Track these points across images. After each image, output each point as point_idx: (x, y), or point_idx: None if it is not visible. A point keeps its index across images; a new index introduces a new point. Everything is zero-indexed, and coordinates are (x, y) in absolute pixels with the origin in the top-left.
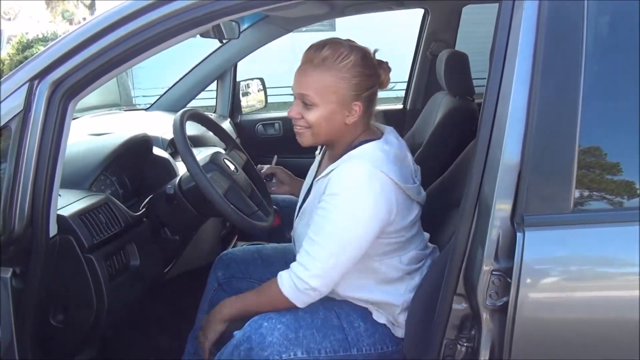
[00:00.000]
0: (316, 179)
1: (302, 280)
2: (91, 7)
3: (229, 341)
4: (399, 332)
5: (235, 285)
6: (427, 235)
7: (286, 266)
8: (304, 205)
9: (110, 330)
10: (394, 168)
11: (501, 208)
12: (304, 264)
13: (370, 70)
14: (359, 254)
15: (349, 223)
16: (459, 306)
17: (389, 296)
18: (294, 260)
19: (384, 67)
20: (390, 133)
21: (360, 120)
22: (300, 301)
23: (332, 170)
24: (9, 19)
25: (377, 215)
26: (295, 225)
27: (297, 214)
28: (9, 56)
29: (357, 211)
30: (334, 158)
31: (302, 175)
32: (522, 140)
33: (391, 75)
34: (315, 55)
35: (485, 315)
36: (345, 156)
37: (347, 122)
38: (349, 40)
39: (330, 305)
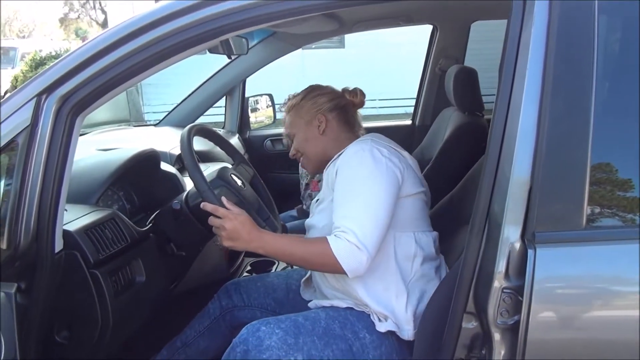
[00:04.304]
0: (325, 169)
1: (348, 242)
2: (104, 24)
3: None
4: (406, 334)
5: (237, 315)
6: (435, 233)
7: (287, 291)
8: (319, 197)
9: (115, 347)
10: (391, 145)
11: (511, 225)
12: (345, 229)
13: (323, 92)
14: (389, 212)
15: (370, 181)
16: (469, 325)
17: (400, 277)
18: (296, 285)
19: (349, 91)
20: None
21: (339, 129)
22: (348, 263)
23: (338, 156)
24: (24, 37)
25: (389, 173)
26: (307, 224)
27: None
28: (22, 73)
29: (372, 170)
30: None
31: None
32: (533, 156)
33: (400, 90)
34: (285, 109)
35: (496, 335)
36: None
37: (320, 133)
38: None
39: (333, 314)
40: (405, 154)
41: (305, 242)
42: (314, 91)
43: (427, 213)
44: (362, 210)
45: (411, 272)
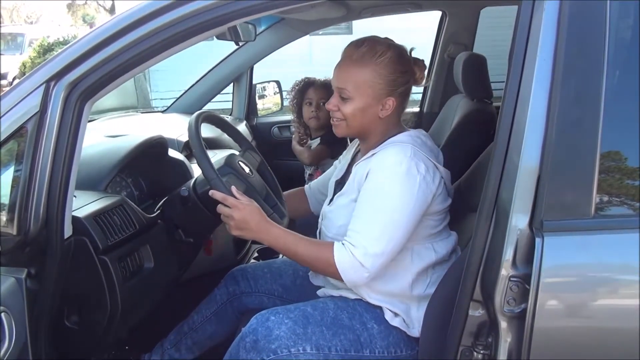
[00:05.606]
0: (356, 163)
1: (354, 256)
2: (112, 10)
3: None
4: (415, 332)
5: (244, 301)
6: (454, 237)
7: (294, 277)
8: (343, 189)
9: (124, 332)
10: (432, 154)
11: (520, 213)
12: (355, 242)
13: (406, 67)
14: (407, 234)
15: (396, 200)
16: (476, 313)
17: (412, 286)
18: (304, 271)
19: (419, 64)
20: (421, 131)
21: (393, 115)
22: (348, 276)
23: (373, 154)
24: (31, 23)
25: (420, 194)
26: (324, 211)
27: (330, 201)
28: (30, 59)
29: (403, 189)
30: (369, 149)
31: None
32: (542, 144)
33: None
34: (354, 51)
35: (502, 323)
36: (386, 142)
37: (380, 116)
38: (387, 38)
39: (342, 305)
40: (441, 167)
41: (311, 244)
42: (402, 62)
43: (447, 221)
44: (378, 229)
45: (427, 279)
